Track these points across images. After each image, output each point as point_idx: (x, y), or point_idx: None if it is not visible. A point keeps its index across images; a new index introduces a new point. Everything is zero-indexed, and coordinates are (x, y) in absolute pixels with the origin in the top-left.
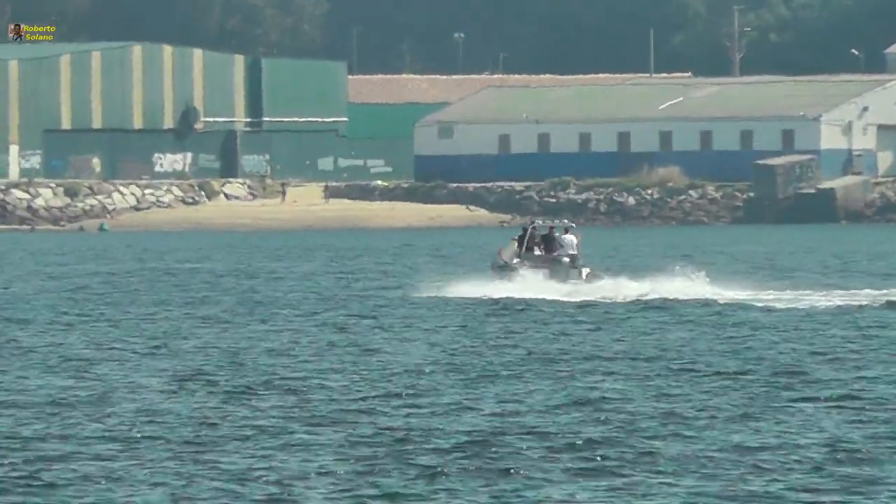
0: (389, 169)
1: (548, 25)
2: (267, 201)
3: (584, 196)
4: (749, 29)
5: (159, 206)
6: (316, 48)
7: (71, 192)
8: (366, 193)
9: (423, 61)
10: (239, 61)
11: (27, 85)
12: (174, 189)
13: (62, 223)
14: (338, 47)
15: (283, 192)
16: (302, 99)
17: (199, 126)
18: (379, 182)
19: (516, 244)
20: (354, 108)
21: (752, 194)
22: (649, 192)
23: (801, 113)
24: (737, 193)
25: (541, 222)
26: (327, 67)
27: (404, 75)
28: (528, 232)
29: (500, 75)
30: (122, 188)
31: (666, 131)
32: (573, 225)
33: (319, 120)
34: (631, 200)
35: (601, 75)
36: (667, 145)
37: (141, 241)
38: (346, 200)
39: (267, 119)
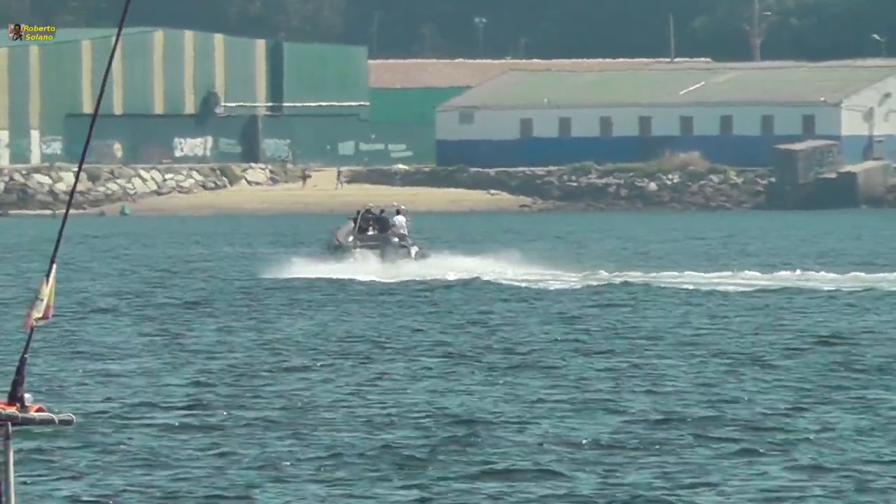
0: (410, 153)
1: (569, 10)
2: (289, 185)
3: (604, 181)
4: (769, 13)
5: (180, 191)
6: (337, 33)
7: (92, 177)
8: (387, 178)
9: (444, 46)
10: (260, 46)
11: (48, 70)
12: (195, 174)
13: (83, 207)
14: (359, 32)
15: (305, 178)
16: (323, 84)
17: (219, 111)
18: (400, 166)
19: (351, 225)
20: (375, 93)
21: (772, 179)
22: (670, 176)
23: (822, 98)
24: (757, 179)
25: (373, 205)
26: (348, 52)
27: (425, 60)
28: (362, 213)
29: (522, 60)
30: (143, 173)
31: (687, 116)
32: (403, 207)
33: (340, 104)
34: (652, 185)
35: (622, 60)
36: (687, 130)
37: (174, 225)
38: (367, 185)
39: (288, 104)
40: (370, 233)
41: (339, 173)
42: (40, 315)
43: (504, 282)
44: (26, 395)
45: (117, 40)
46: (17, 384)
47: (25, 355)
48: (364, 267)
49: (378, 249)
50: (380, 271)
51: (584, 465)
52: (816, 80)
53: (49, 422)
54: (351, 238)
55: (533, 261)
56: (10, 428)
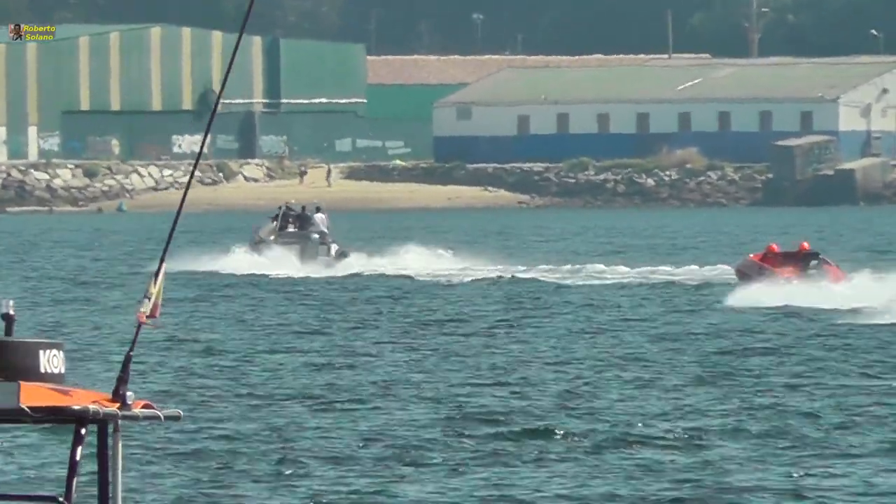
0: (408, 150)
1: (566, 6)
2: (285, 182)
3: (602, 177)
4: (767, 9)
5: (177, 188)
6: (334, 30)
7: (89, 173)
8: (384, 174)
9: (442, 42)
10: (257, 43)
11: (46, 66)
12: None
13: (81, 204)
14: (356, 29)
15: (302, 174)
16: (320, 80)
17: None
18: (397, 162)
19: (272, 222)
20: (373, 90)
21: (770, 175)
22: (668, 173)
23: (820, 94)
24: (755, 175)
25: (294, 202)
26: (346, 49)
27: (422, 56)
28: (283, 211)
29: (519, 56)
30: (140, 169)
31: (685, 112)
32: (323, 205)
33: (338, 101)
34: (650, 181)
35: (620, 56)
36: (685, 126)
37: (162, 222)
38: (365, 182)
39: (285, 100)
40: (291, 230)
41: (329, 171)
42: (149, 313)
43: (416, 277)
44: (129, 393)
45: (238, 41)
46: (120, 381)
47: (131, 353)
48: (284, 262)
49: (298, 246)
50: (300, 267)
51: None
52: (814, 77)
53: (154, 418)
54: (272, 235)
55: (458, 258)
56: (119, 423)
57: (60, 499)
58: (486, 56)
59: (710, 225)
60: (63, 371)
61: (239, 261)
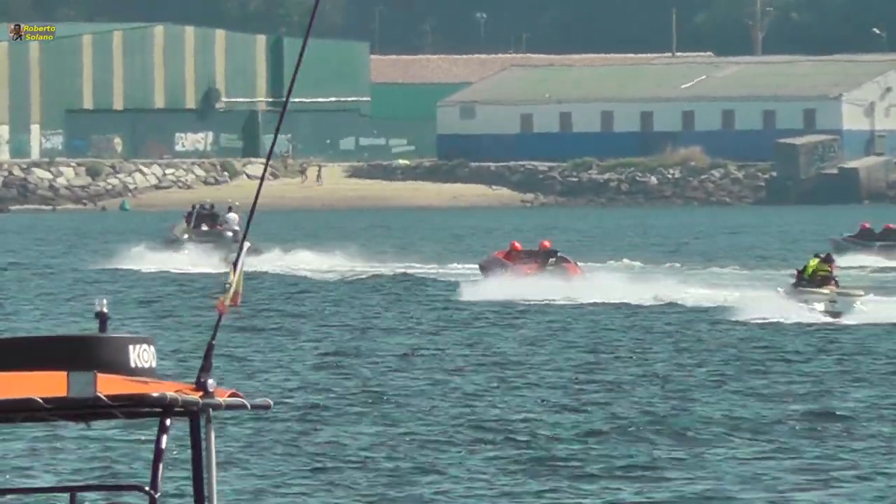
0: (412, 148)
1: (569, 5)
2: (289, 180)
3: (606, 176)
4: (771, 8)
5: (180, 186)
6: (338, 28)
7: (93, 172)
8: (388, 173)
9: (445, 41)
10: (261, 41)
11: (49, 65)
12: (196, 168)
13: (84, 202)
14: (360, 27)
15: (303, 171)
16: (324, 79)
17: (219, 106)
18: (401, 161)
19: (186, 221)
20: (376, 88)
21: (774, 174)
22: (671, 171)
23: (824, 93)
24: (759, 173)
25: (207, 201)
26: (349, 48)
27: (426, 55)
28: (196, 210)
29: (522, 55)
30: (143, 167)
31: (688, 111)
32: (236, 204)
33: (341, 100)
34: (653, 180)
35: (623, 55)
36: (689, 125)
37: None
38: (368, 180)
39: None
40: (204, 228)
41: (319, 170)
42: (230, 301)
43: (305, 273)
44: (209, 381)
45: (304, 42)
46: (202, 370)
47: (213, 342)
48: (196, 259)
49: (211, 244)
50: (212, 264)
51: None
52: (818, 75)
53: (239, 406)
54: (186, 234)
55: (359, 255)
56: (210, 414)
57: (146, 488)
58: (490, 55)
59: (714, 223)
60: (153, 366)
61: (153, 259)
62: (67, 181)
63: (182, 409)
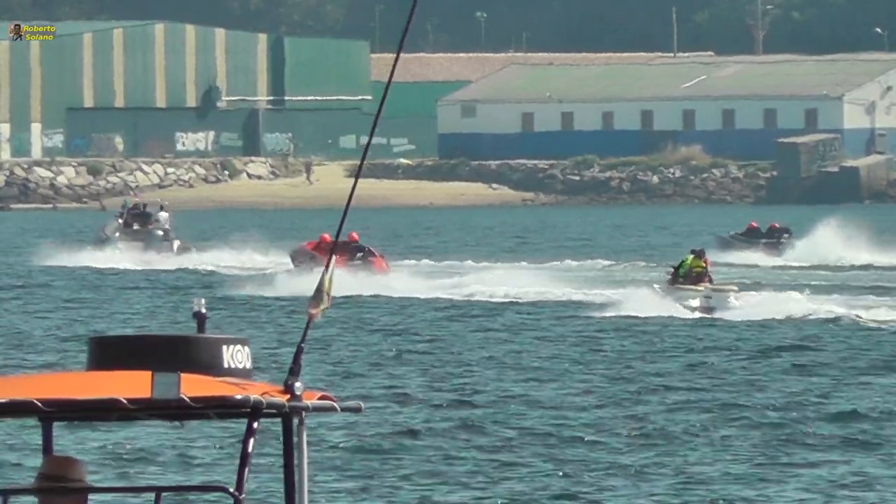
0: (412, 147)
1: (571, 4)
2: (290, 180)
3: (607, 174)
4: (772, 7)
5: (181, 185)
6: (339, 27)
7: (93, 171)
8: (389, 172)
9: (446, 40)
10: (262, 40)
11: (49, 64)
12: (196, 167)
13: (84, 201)
14: (360, 26)
15: (308, 171)
16: (324, 77)
17: (220, 104)
18: (402, 160)
19: (117, 221)
20: (377, 87)
21: (774, 173)
22: (672, 170)
23: (824, 92)
24: (759, 172)
25: (138, 200)
26: (350, 46)
27: (427, 54)
28: (127, 209)
29: (523, 53)
30: (144, 166)
31: (689, 110)
32: (167, 203)
33: (342, 98)
34: (654, 179)
35: (624, 54)
36: (690, 124)
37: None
38: (369, 179)
39: (289, 98)
40: (135, 228)
41: (308, 167)
42: (323, 305)
43: (225, 271)
44: (297, 384)
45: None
46: (290, 372)
47: (302, 344)
48: (127, 257)
49: (141, 242)
50: (141, 261)
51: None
52: (819, 74)
53: (329, 409)
54: (117, 233)
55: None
56: (303, 416)
57: (231, 489)
58: (491, 53)
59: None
60: (248, 366)
61: (82, 258)
62: (68, 180)
63: (271, 412)
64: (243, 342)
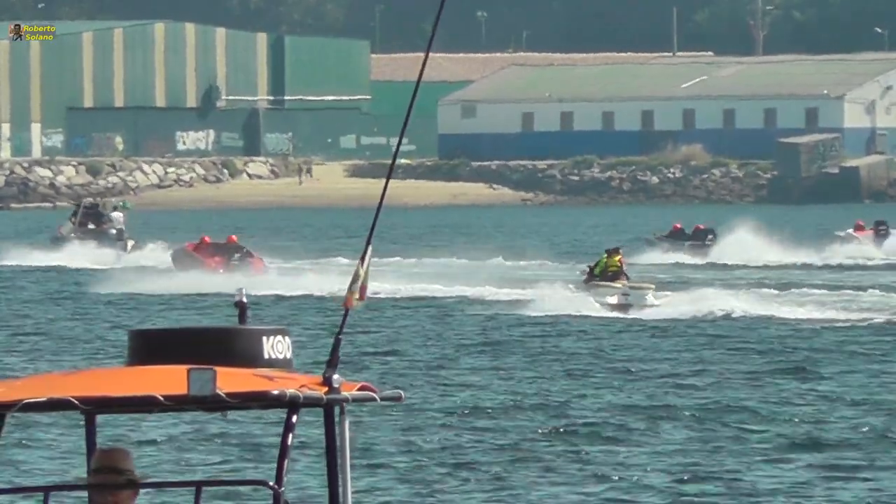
0: (412, 147)
1: (571, 4)
2: (290, 180)
3: (607, 174)
4: (772, 7)
5: (181, 185)
6: (339, 26)
7: (93, 170)
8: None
9: (446, 39)
10: (262, 39)
11: (50, 63)
12: (196, 167)
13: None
14: (360, 25)
15: (308, 171)
16: (325, 77)
17: (220, 104)
18: (402, 160)
19: (71, 220)
20: (377, 86)
21: (775, 173)
22: (672, 170)
23: (825, 91)
24: (760, 172)
25: (91, 200)
26: (350, 46)
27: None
28: (82, 209)
29: (523, 53)
30: (144, 166)
31: (689, 110)
32: (122, 202)
33: (342, 98)
34: (654, 179)
35: (624, 54)
36: (690, 124)
37: (163, 219)
38: (369, 179)
39: (289, 97)
40: (90, 227)
41: (301, 169)
42: (358, 296)
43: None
44: (335, 377)
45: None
46: (328, 364)
47: (340, 336)
48: (81, 255)
49: (94, 241)
50: (95, 259)
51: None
52: (819, 74)
53: (368, 399)
54: (72, 232)
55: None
56: (345, 408)
57: (270, 483)
58: (491, 53)
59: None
60: (289, 356)
61: (36, 256)
62: (68, 179)
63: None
64: (284, 332)
